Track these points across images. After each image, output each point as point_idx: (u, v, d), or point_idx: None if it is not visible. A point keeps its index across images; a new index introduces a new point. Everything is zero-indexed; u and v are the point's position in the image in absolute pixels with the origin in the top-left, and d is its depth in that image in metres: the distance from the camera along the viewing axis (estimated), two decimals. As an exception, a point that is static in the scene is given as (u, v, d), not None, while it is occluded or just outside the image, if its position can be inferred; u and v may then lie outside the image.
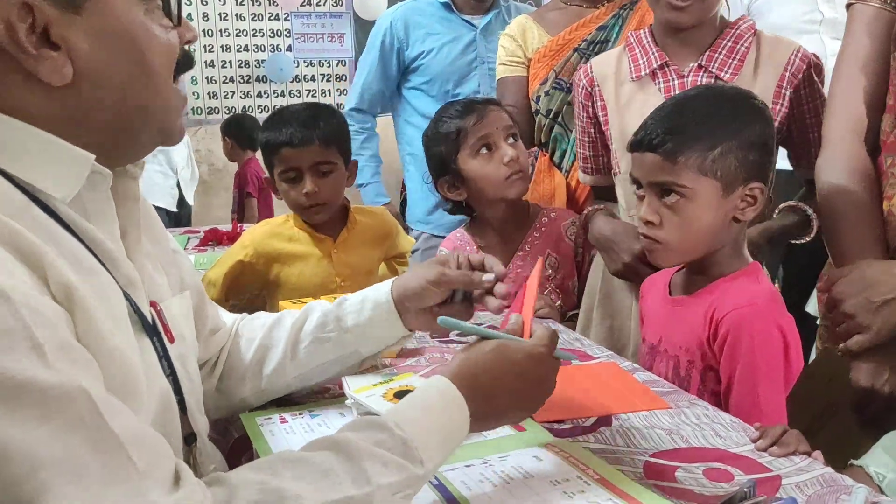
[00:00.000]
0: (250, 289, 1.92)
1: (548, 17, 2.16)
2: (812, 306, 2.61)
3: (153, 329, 0.86)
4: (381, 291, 1.14)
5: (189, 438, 0.94)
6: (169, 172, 3.39)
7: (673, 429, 1.07)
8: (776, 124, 1.53)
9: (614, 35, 2.01)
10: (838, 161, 1.34)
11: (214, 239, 2.58)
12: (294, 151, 1.81)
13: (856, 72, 1.36)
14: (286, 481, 0.72)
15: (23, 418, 0.61)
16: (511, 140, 1.77)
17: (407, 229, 2.70)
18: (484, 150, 1.75)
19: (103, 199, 0.81)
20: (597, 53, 1.99)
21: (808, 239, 1.59)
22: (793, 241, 1.62)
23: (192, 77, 3.68)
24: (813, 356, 1.61)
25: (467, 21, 2.57)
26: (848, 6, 1.42)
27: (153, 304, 0.89)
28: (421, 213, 2.61)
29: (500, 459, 0.98)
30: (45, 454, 0.61)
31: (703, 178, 1.22)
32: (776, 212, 1.59)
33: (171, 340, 0.91)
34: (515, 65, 2.13)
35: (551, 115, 2.02)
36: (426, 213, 2.58)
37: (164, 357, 0.88)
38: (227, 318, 1.21)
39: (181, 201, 3.91)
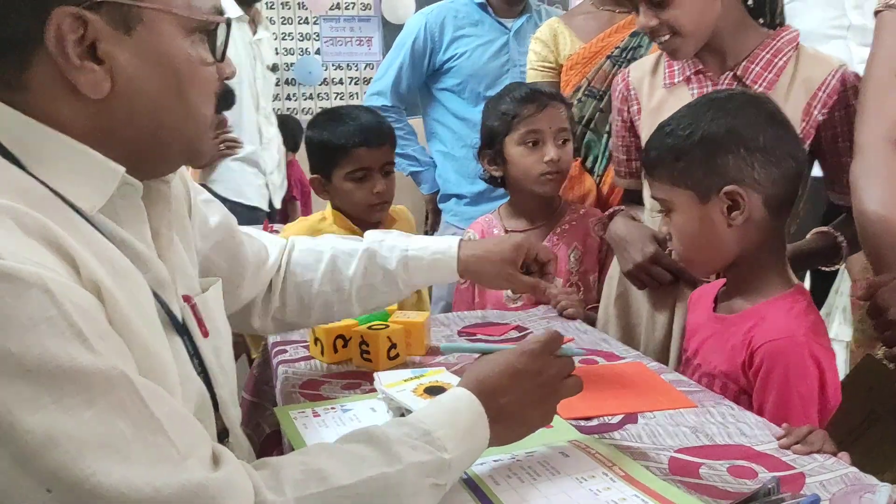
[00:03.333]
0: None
1: (578, 21, 2.17)
2: (833, 330, 2.61)
3: (183, 328, 0.89)
4: (450, 266, 1.29)
5: (221, 434, 0.96)
6: (259, 173, 3.42)
7: (698, 427, 1.08)
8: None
9: (647, 42, 2.01)
10: (873, 167, 1.33)
11: (245, 237, 2.62)
12: (369, 151, 1.86)
13: (888, 78, 1.34)
14: (326, 463, 0.77)
15: (68, 404, 0.63)
16: (561, 142, 1.82)
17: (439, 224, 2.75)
18: (530, 143, 1.82)
19: (135, 206, 0.84)
20: (629, 60, 2.00)
21: (836, 267, 1.56)
22: (821, 269, 1.59)
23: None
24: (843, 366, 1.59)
25: (500, 23, 2.59)
26: (877, 13, 1.41)
27: (187, 299, 0.91)
28: (455, 208, 2.64)
29: (527, 455, 1.00)
30: (91, 437, 0.63)
31: (676, 190, 1.26)
32: (808, 235, 1.57)
33: (206, 335, 0.93)
34: (546, 70, 2.15)
35: (583, 122, 2.04)
36: (460, 207, 2.62)
37: (195, 355, 0.90)
38: (273, 248, 1.28)
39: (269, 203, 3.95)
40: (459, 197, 2.63)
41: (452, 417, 0.87)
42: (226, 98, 0.94)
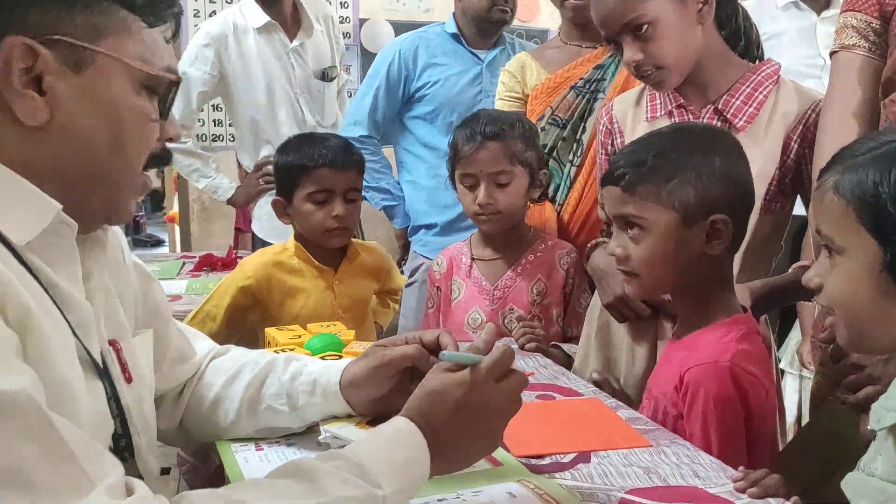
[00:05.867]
0: (251, 319, 1.89)
1: (547, 54, 2.19)
2: (784, 362, 2.61)
3: (103, 371, 0.87)
4: (331, 380, 1.10)
5: None
6: None
7: (651, 467, 1.05)
8: (778, 175, 1.52)
9: (610, 74, 2.03)
10: None
11: (209, 265, 2.57)
12: (333, 173, 1.83)
13: (845, 118, 1.34)
14: (247, 495, 0.75)
15: None
16: (497, 182, 1.79)
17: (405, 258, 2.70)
18: (466, 185, 1.83)
19: (67, 246, 0.83)
20: (593, 92, 2.03)
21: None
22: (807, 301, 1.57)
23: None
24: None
25: (474, 54, 2.59)
26: (832, 54, 1.41)
27: (112, 343, 0.90)
28: (425, 238, 2.62)
29: (473, 495, 0.96)
30: None
31: (661, 210, 1.23)
32: (790, 269, 1.55)
33: (129, 380, 0.91)
34: (513, 100, 2.16)
35: (546, 150, 2.03)
36: (429, 237, 2.60)
37: (114, 398, 0.88)
38: (201, 347, 1.20)
39: None
40: (429, 227, 2.60)
41: (390, 451, 0.84)
42: (162, 158, 0.92)
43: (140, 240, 8.86)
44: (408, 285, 2.48)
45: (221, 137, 3.93)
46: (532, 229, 1.93)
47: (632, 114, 1.69)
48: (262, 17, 2.80)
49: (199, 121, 3.74)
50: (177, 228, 4.73)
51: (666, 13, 1.48)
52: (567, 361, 1.74)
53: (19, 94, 0.76)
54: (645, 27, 1.47)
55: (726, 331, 1.21)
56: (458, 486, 0.98)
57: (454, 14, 2.62)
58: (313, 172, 1.82)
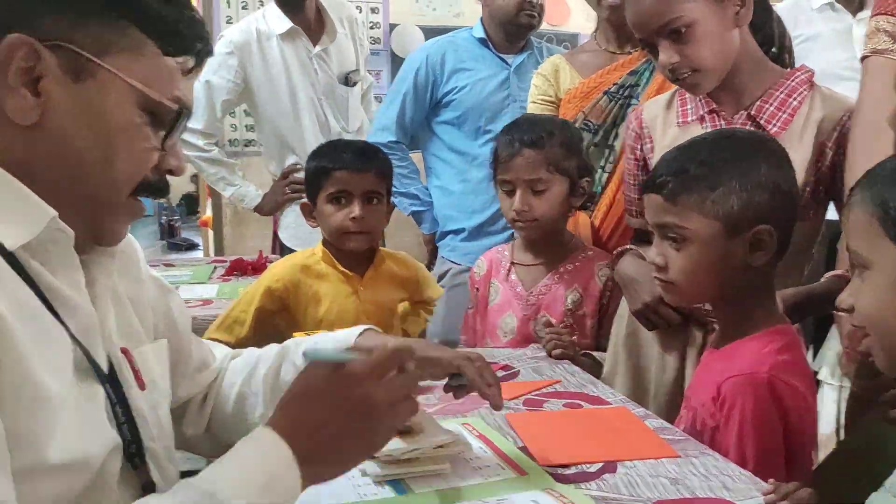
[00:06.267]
0: (279, 324, 1.90)
1: (580, 58, 2.18)
2: (824, 373, 2.56)
3: (107, 377, 0.85)
4: (347, 339, 1.11)
5: (147, 487, 0.89)
6: None
7: (679, 478, 1.03)
8: (812, 182, 1.50)
9: (645, 80, 2.01)
10: None
11: (239, 269, 2.57)
12: (350, 175, 1.83)
13: (879, 124, 1.31)
14: None
15: None
16: (533, 189, 1.78)
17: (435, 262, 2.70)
18: (505, 190, 1.82)
19: (66, 253, 0.81)
20: (626, 97, 2.01)
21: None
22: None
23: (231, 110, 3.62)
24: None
25: (501, 59, 2.59)
26: (863, 58, 1.38)
27: (125, 351, 0.89)
28: (452, 243, 2.62)
29: (497, 502, 0.95)
30: None
31: (704, 219, 1.21)
32: (823, 278, 1.53)
33: (143, 387, 0.91)
34: (546, 104, 2.14)
35: None
36: (457, 242, 2.60)
37: (120, 404, 0.86)
38: (218, 352, 1.21)
39: None
40: (456, 232, 2.60)
41: (250, 472, 0.77)
42: (158, 189, 0.89)
43: (175, 243, 8.98)
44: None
45: (254, 142, 3.95)
46: (574, 237, 1.92)
47: (662, 118, 1.67)
48: (286, 24, 2.77)
49: (231, 126, 3.77)
50: (210, 232, 4.77)
51: (704, 15, 1.45)
52: (597, 370, 1.72)
53: (12, 90, 0.75)
54: (683, 29, 1.45)
55: (766, 341, 1.19)
56: (482, 493, 0.98)
57: (482, 19, 2.61)
58: (333, 174, 1.84)
